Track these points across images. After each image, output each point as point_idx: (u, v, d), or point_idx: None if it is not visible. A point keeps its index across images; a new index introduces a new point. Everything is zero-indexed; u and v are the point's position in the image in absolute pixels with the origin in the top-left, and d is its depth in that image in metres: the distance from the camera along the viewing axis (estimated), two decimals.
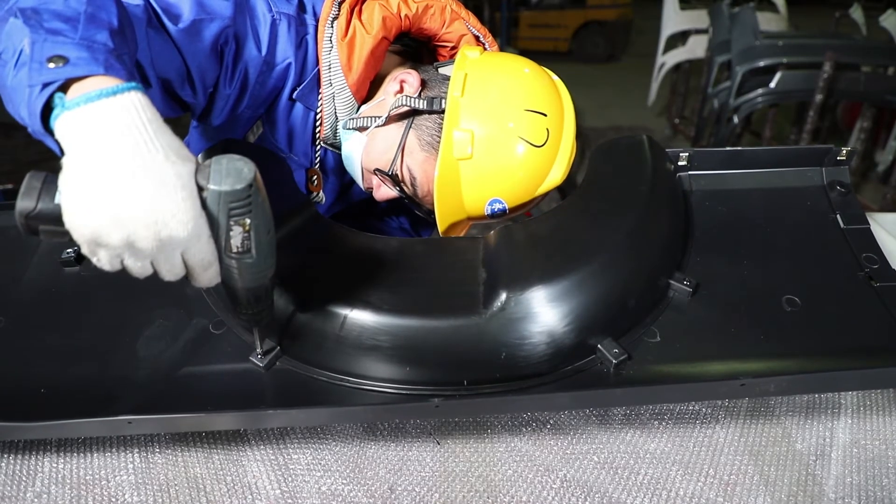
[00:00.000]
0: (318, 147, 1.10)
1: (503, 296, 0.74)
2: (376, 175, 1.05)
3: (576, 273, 0.77)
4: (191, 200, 0.55)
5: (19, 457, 0.78)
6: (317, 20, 1.01)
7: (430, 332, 0.74)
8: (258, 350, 0.76)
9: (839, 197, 0.97)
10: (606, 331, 0.77)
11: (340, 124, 1.07)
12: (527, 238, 0.86)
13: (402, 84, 1.02)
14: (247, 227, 0.59)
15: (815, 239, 0.92)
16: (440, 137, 0.95)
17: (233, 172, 0.57)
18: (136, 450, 0.79)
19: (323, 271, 0.81)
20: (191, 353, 0.79)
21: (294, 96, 1.03)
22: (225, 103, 0.98)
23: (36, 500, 0.74)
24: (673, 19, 5.45)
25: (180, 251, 0.57)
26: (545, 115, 0.96)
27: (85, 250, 0.57)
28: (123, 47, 0.66)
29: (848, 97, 4.04)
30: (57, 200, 0.55)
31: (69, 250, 0.91)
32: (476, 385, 0.74)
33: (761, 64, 3.87)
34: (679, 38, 5.52)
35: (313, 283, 0.77)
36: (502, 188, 0.96)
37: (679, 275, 0.85)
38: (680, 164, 0.99)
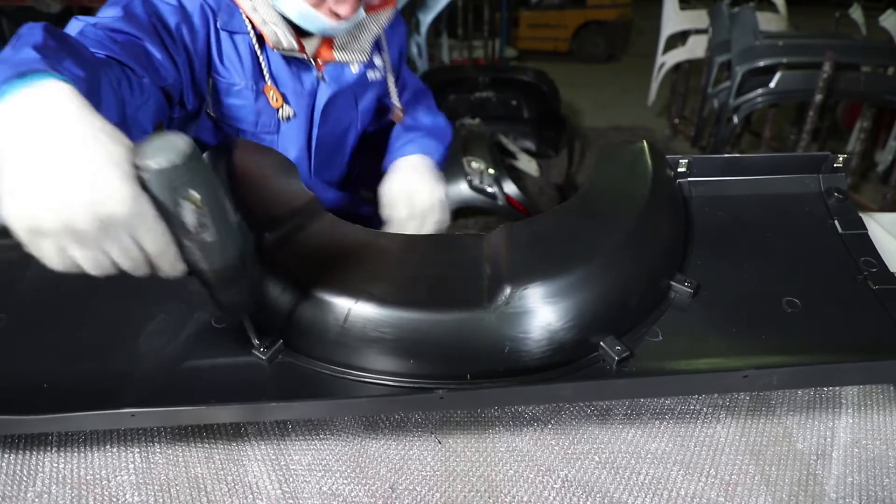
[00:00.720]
0: (262, 59, 1.12)
1: (507, 290, 0.74)
2: None
3: (578, 271, 0.77)
4: (127, 179, 0.54)
5: (20, 456, 0.78)
6: None
7: (434, 325, 0.74)
8: (255, 342, 0.76)
9: (836, 203, 0.97)
10: (609, 329, 0.77)
11: (269, 15, 1.08)
12: (530, 235, 0.86)
13: None
14: (197, 203, 0.57)
15: (814, 243, 0.93)
16: None
17: (167, 148, 0.55)
18: (137, 449, 0.79)
19: (327, 265, 0.81)
20: (193, 348, 0.79)
21: (220, 27, 1.08)
22: (187, 78, 1.04)
23: (37, 499, 0.74)
24: (673, 19, 5.45)
25: (127, 234, 0.55)
26: None
27: (30, 246, 0.55)
28: (56, 55, 0.64)
29: (848, 97, 4.03)
30: None
31: None
32: (479, 379, 0.74)
33: (761, 64, 3.87)
34: (679, 38, 5.52)
35: (317, 276, 0.77)
36: None
37: (680, 276, 0.85)
38: (679, 170, 1.00)
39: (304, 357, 0.78)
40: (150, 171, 0.55)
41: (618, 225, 0.84)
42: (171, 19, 1.01)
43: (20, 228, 0.53)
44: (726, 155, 1.04)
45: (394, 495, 0.75)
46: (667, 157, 1.00)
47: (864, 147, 4.19)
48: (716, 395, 0.85)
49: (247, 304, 0.70)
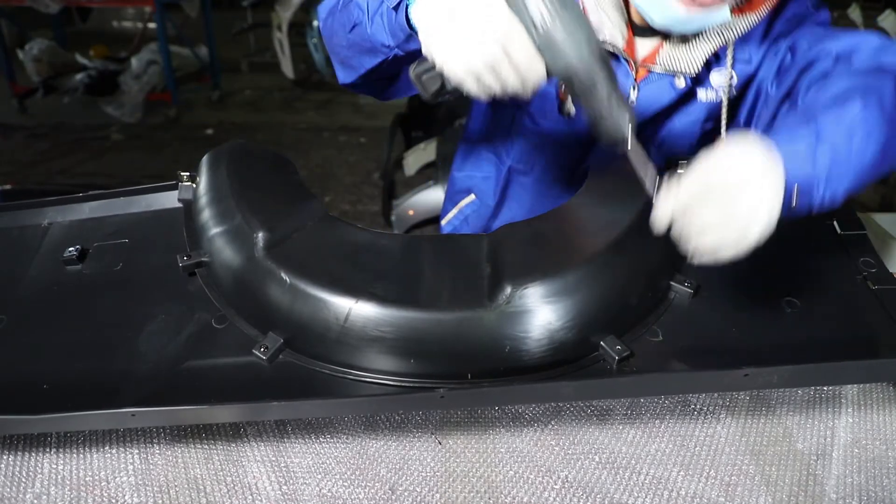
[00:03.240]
0: None
1: (508, 290, 0.74)
2: None
3: (579, 270, 0.77)
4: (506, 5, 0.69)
5: (19, 458, 0.78)
6: None
7: (435, 324, 0.74)
8: (650, 189, 0.75)
9: None
10: (609, 328, 0.77)
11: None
12: (530, 235, 0.86)
13: None
14: None
15: (813, 244, 0.93)
16: None
17: None
18: (136, 450, 0.79)
19: (328, 265, 0.81)
20: (193, 348, 0.79)
21: None
22: None
23: (35, 501, 0.74)
24: None
25: (501, 45, 0.68)
26: None
27: (437, 61, 0.73)
28: None
29: None
30: (425, 52, 0.73)
31: (71, 249, 0.91)
32: (480, 379, 0.74)
33: None
34: None
35: (317, 276, 0.77)
36: None
37: (680, 276, 0.85)
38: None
39: (305, 357, 0.77)
40: None
41: (617, 225, 0.84)
42: None
43: (431, 45, 0.73)
44: None
45: (394, 496, 0.75)
46: (667, 157, 1.00)
47: None
48: (716, 395, 0.85)
49: (616, 126, 0.70)
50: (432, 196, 2.60)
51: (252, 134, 5.05)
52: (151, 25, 5.56)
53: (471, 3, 0.70)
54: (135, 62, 5.21)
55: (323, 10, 1.02)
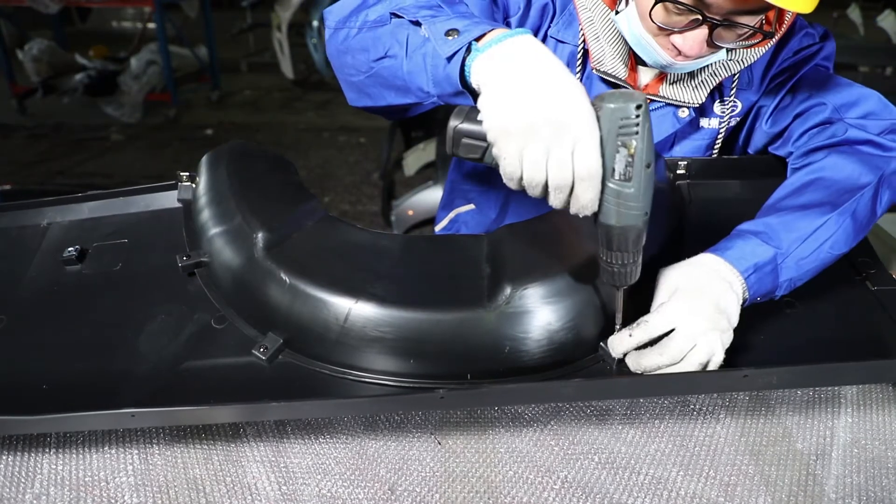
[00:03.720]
0: (578, 75, 1.03)
1: (507, 290, 0.74)
2: (663, 25, 0.87)
3: (578, 271, 0.77)
4: (585, 99, 0.62)
5: (18, 458, 0.78)
6: None
7: (435, 325, 0.74)
8: (617, 325, 0.76)
9: None
10: (608, 329, 0.77)
11: (604, 32, 0.99)
12: (530, 236, 0.86)
13: None
14: (631, 151, 0.62)
15: None
16: None
17: (625, 94, 0.62)
18: (136, 451, 0.79)
19: (327, 265, 0.81)
20: (193, 348, 0.79)
21: (549, 34, 1.03)
22: None
23: (35, 501, 0.74)
24: None
25: (571, 146, 0.62)
26: None
27: (497, 148, 0.65)
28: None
29: None
30: (479, 118, 0.66)
31: (70, 249, 0.91)
32: (479, 379, 0.74)
33: None
34: None
35: (317, 276, 0.77)
36: None
37: None
38: (678, 172, 1.00)
39: (305, 357, 0.78)
40: (605, 108, 0.62)
41: None
42: (513, 6, 1.01)
43: (495, 129, 0.64)
44: (725, 157, 1.04)
45: (393, 497, 0.75)
46: (666, 159, 1.00)
47: None
48: (715, 395, 0.85)
49: (631, 274, 0.71)
50: (432, 196, 2.60)
51: (252, 134, 5.05)
52: (151, 26, 5.56)
53: (558, 95, 0.62)
54: (134, 62, 5.21)
55: (333, 17, 0.91)
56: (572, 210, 0.66)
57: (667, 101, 1.01)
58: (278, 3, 5.61)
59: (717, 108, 1.05)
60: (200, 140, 4.90)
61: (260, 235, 0.81)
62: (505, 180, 0.67)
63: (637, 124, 0.61)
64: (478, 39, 0.71)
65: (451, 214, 1.37)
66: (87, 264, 0.92)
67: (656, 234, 0.88)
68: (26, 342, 0.82)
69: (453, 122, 0.68)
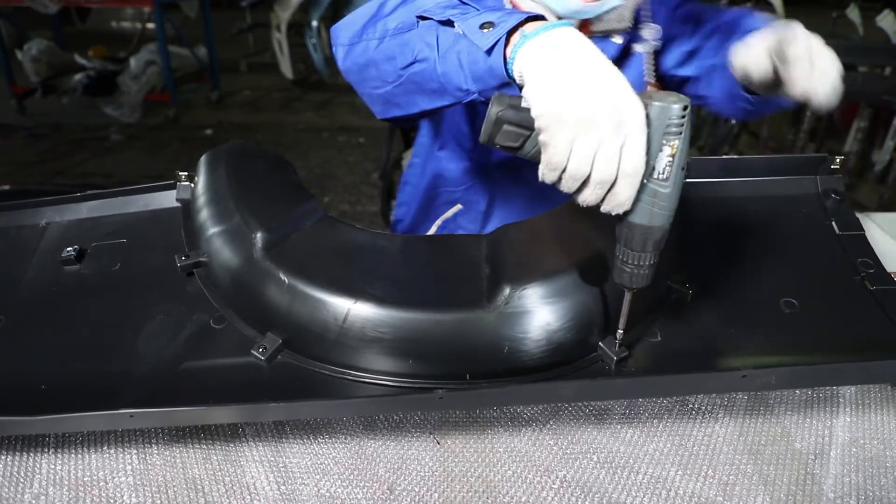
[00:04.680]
0: None
1: (507, 290, 0.74)
2: None
3: (577, 271, 0.77)
4: (636, 95, 0.61)
5: (17, 458, 0.78)
6: None
7: (434, 325, 0.74)
8: (620, 330, 0.75)
9: (834, 205, 0.98)
10: (607, 329, 0.77)
11: None
12: (529, 236, 0.86)
13: None
14: (673, 151, 0.62)
15: (811, 245, 0.94)
16: None
17: (673, 95, 0.62)
18: (135, 451, 0.79)
19: (326, 265, 0.81)
20: (192, 348, 0.79)
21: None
22: None
23: (34, 501, 0.74)
24: None
25: (621, 141, 0.61)
26: None
27: (546, 135, 0.62)
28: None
29: (845, 97, 4.02)
30: (523, 105, 0.64)
31: (69, 249, 0.91)
32: (478, 379, 0.74)
33: None
34: None
35: (316, 276, 0.77)
36: None
37: (678, 277, 0.85)
38: None
39: (304, 357, 0.77)
40: (654, 106, 0.61)
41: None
42: None
43: (549, 115, 0.62)
44: (724, 156, 1.03)
45: (392, 496, 0.75)
46: None
47: (861, 147, 4.19)
48: (714, 395, 0.85)
49: (647, 276, 0.70)
50: None
51: (251, 134, 5.05)
52: (150, 26, 5.56)
53: (614, 88, 0.61)
54: (134, 62, 5.21)
55: (345, 33, 0.90)
56: (605, 207, 0.64)
57: (600, 32, 1.12)
58: (277, 4, 5.61)
59: (644, 32, 1.17)
60: (200, 140, 4.90)
61: (259, 236, 0.81)
62: (543, 170, 0.65)
63: (682, 125, 0.61)
64: (515, 29, 0.70)
65: (436, 224, 1.36)
66: (85, 264, 0.92)
67: None
68: (25, 342, 0.82)
69: (496, 108, 0.65)
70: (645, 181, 0.63)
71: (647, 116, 0.61)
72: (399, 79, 0.84)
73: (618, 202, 0.63)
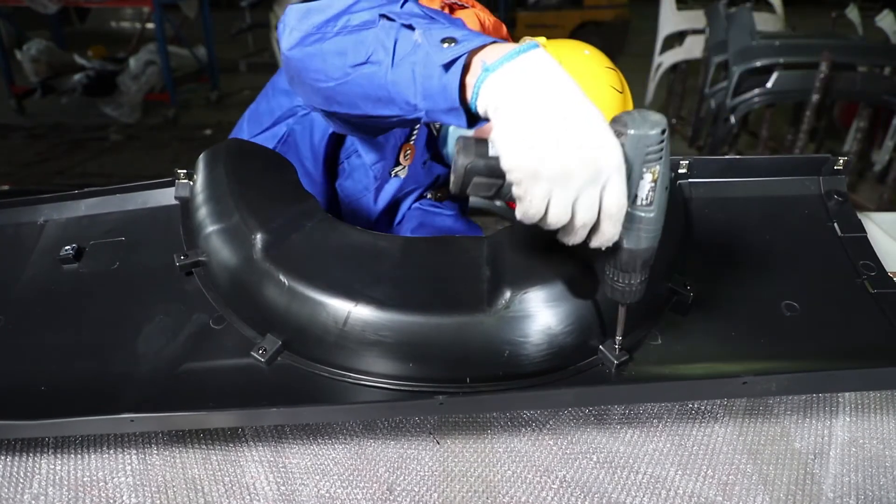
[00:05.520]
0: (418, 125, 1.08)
1: (507, 293, 0.74)
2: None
3: (578, 273, 0.77)
4: (610, 129, 0.58)
5: (16, 458, 0.78)
6: None
7: (434, 328, 0.74)
8: (618, 338, 0.74)
9: (836, 205, 0.97)
10: (608, 332, 0.77)
11: None
12: (530, 238, 0.86)
13: None
14: (655, 176, 0.60)
15: (813, 246, 0.93)
16: None
17: (648, 119, 0.59)
18: (134, 451, 0.78)
19: (327, 267, 0.80)
20: (191, 349, 0.79)
21: None
22: None
23: (33, 501, 0.74)
24: (670, 19, 5.45)
25: (601, 186, 0.58)
26: (616, 70, 1.06)
27: (520, 190, 0.59)
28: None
29: (844, 97, 4.04)
30: (491, 153, 0.61)
31: (67, 248, 0.91)
32: (479, 383, 0.74)
33: (758, 64, 3.88)
34: (676, 39, 5.52)
35: (316, 278, 0.77)
36: None
37: (679, 279, 0.85)
38: (680, 171, 1.00)
39: (304, 359, 0.77)
40: (630, 136, 0.58)
41: None
42: None
43: (521, 172, 0.58)
44: (727, 156, 1.03)
45: (391, 496, 0.75)
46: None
47: (860, 147, 4.19)
48: None
49: (639, 292, 0.69)
50: None
51: None
52: (150, 26, 5.56)
53: (590, 132, 0.57)
54: (133, 63, 5.21)
55: (305, 21, 0.80)
56: (593, 245, 0.63)
57: None
58: (277, 3, 5.61)
59: None
60: (199, 140, 4.90)
61: (259, 236, 0.80)
62: (520, 218, 0.62)
63: (661, 149, 0.59)
64: (477, 51, 0.65)
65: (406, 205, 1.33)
66: (84, 263, 0.92)
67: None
68: (24, 342, 0.82)
69: (463, 161, 0.61)
70: (629, 209, 0.61)
71: (624, 149, 0.58)
72: (345, 77, 0.77)
73: (605, 240, 0.62)
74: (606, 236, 0.62)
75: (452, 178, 0.63)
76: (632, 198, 0.61)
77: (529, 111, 0.58)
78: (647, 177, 0.60)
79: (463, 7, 1.07)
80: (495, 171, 0.61)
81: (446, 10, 1.04)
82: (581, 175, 0.57)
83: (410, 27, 0.71)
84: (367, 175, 1.19)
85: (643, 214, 0.62)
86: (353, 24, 0.76)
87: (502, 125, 0.59)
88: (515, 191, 0.60)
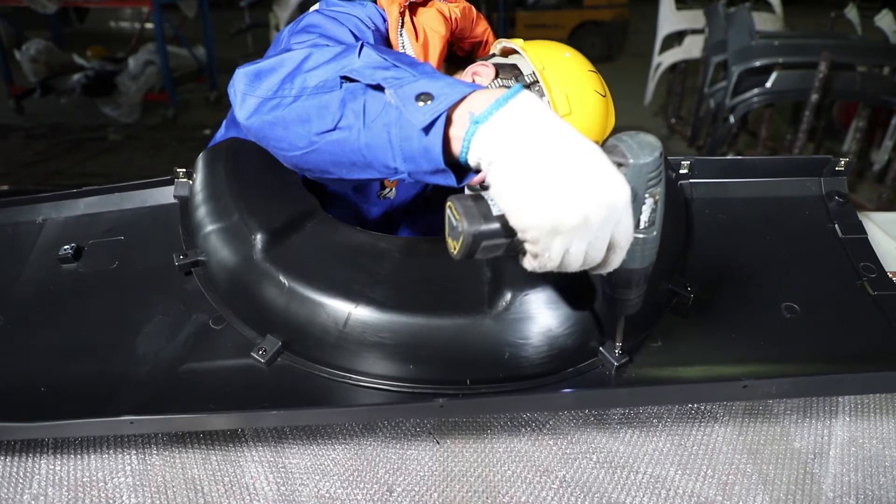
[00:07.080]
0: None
1: (508, 295, 0.74)
2: None
3: (579, 275, 0.77)
4: (610, 162, 0.56)
5: (16, 458, 0.78)
6: (379, 31, 1.00)
7: (434, 330, 0.74)
8: (618, 343, 0.74)
9: (837, 207, 0.97)
10: (608, 334, 0.77)
11: None
12: None
13: (475, 77, 1.00)
14: (656, 198, 0.59)
15: (814, 247, 0.93)
16: None
17: (645, 145, 0.58)
18: (134, 451, 0.78)
19: (326, 268, 0.80)
20: (191, 350, 0.78)
21: None
22: None
23: (33, 501, 0.74)
24: (669, 19, 5.45)
25: (612, 226, 0.56)
26: (597, 73, 1.03)
27: (537, 247, 0.56)
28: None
29: (844, 97, 4.04)
30: (495, 212, 0.57)
31: (66, 247, 0.91)
32: (479, 384, 0.74)
33: (757, 64, 3.88)
34: (675, 39, 5.52)
35: (316, 279, 0.77)
36: (591, 136, 0.94)
37: (680, 280, 0.85)
38: (681, 171, 1.00)
39: (304, 360, 0.77)
40: (630, 165, 0.57)
41: None
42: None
43: (541, 231, 0.55)
44: (728, 157, 1.03)
45: (391, 497, 0.74)
46: (668, 158, 0.99)
47: (859, 146, 4.20)
48: None
49: (637, 304, 0.69)
50: None
51: None
52: (149, 26, 5.56)
53: (597, 175, 0.55)
54: (132, 63, 5.21)
55: (255, 86, 0.73)
56: (596, 272, 0.62)
57: None
58: (276, 4, 5.61)
59: None
60: (199, 140, 4.89)
61: (258, 237, 0.80)
62: (532, 269, 0.59)
63: (660, 171, 0.59)
64: (458, 104, 0.61)
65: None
66: (83, 262, 0.91)
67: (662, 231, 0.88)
68: (23, 342, 0.82)
69: (468, 228, 0.56)
70: (634, 234, 0.61)
71: (626, 176, 0.57)
72: (312, 146, 0.71)
73: (610, 269, 0.61)
74: (613, 266, 0.60)
75: (457, 245, 0.58)
76: (636, 223, 0.60)
77: (533, 164, 0.55)
78: (649, 201, 0.60)
79: (424, 4, 1.06)
80: (503, 232, 0.57)
81: (406, 13, 0.99)
82: (597, 220, 0.55)
83: (379, 88, 0.66)
84: (351, 203, 1.16)
85: (646, 236, 0.62)
86: (311, 86, 0.70)
87: (505, 182, 0.56)
88: (531, 248, 0.57)
